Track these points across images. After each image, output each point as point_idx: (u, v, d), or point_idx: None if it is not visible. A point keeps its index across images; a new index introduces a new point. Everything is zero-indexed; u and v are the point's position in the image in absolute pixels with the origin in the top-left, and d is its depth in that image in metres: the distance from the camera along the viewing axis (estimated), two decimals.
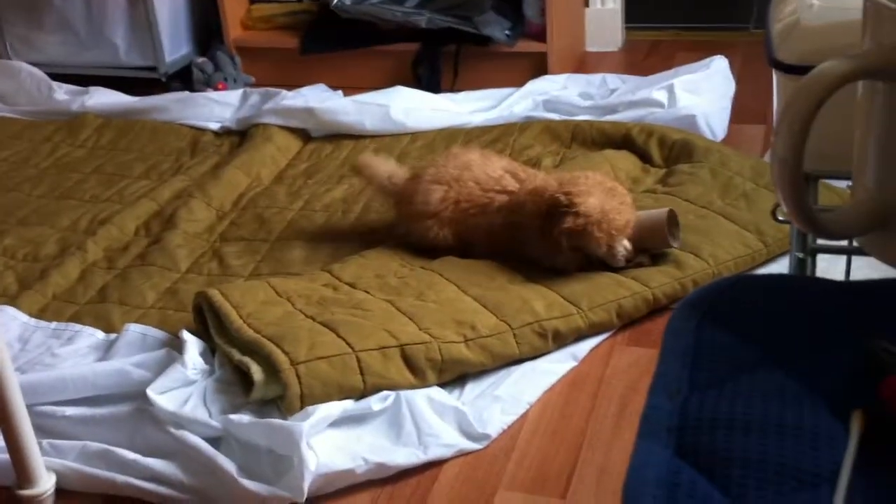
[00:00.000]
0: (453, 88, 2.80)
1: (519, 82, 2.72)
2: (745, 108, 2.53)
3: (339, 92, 2.73)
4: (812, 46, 0.65)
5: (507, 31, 2.79)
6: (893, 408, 0.70)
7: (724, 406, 0.73)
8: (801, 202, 0.56)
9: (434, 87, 2.79)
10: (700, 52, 2.82)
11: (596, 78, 2.71)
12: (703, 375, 0.76)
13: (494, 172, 1.91)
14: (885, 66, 0.52)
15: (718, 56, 2.61)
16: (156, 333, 1.76)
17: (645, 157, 2.25)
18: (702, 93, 2.45)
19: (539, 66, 2.81)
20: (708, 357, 0.77)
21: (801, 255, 0.60)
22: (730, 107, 2.47)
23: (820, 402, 0.72)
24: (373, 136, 2.50)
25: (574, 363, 1.69)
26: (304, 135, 2.55)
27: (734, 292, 0.81)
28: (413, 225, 1.92)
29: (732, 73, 2.59)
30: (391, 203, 2.03)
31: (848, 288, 0.71)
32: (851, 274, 0.87)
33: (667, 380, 0.78)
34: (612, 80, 2.69)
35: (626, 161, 2.22)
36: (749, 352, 0.77)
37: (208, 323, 1.69)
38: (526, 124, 2.48)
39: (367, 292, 1.76)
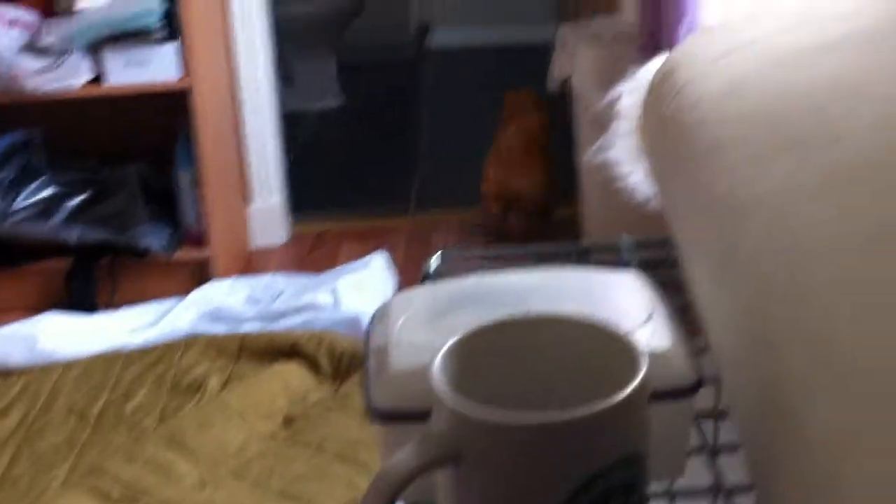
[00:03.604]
0: (112, 304, 2.65)
1: (184, 291, 2.61)
2: None
3: None
4: (402, 391, 0.63)
5: (164, 241, 2.69)
6: None
7: None
8: None
9: (90, 304, 2.63)
10: (365, 241, 2.89)
11: (261, 280, 2.67)
12: None
13: None
14: (446, 455, 0.51)
15: (377, 253, 2.66)
16: None
17: (316, 367, 2.21)
18: (365, 292, 2.46)
19: (203, 272, 2.72)
20: None
21: None
22: None
23: None
24: (21, 373, 2.29)
25: None
26: None
27: None
28: None
29: (395, 261, 2.65)
30: None
31: None
32: None
33: None
34: (279, 280, 2.66)
35: (296, 374, 2.16)
36: None
37: None
38: (191, 340, 2.36)
39: None
